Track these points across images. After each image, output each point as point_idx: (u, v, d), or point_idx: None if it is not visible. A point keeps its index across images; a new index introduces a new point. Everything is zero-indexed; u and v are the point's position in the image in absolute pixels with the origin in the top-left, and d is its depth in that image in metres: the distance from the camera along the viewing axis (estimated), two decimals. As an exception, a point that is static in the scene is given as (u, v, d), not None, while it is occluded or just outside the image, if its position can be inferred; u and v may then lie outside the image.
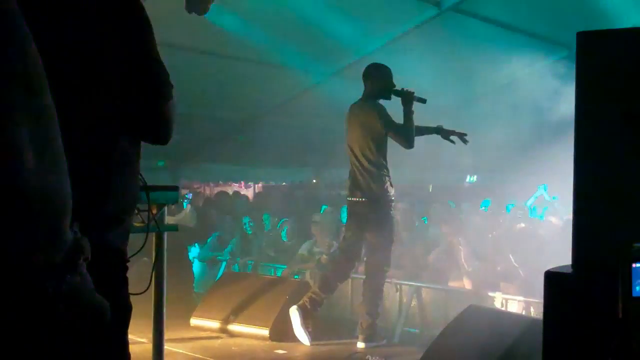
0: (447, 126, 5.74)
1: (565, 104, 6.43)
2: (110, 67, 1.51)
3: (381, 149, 5.42)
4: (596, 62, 1.92)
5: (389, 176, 5.44)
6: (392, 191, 5.44)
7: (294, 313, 5.36)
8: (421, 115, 5.59)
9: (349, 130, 5.51)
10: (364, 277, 5.61)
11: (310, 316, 5.42)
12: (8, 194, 0.84)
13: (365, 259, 5.64)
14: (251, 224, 8.15)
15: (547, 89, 7.78)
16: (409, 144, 5.38)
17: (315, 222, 7.20)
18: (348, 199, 5.54)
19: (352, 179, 5.47)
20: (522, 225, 7.00)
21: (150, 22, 1.59)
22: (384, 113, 5.36)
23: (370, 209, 5.38)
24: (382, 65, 5.51)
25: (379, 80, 5.42)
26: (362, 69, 5.57)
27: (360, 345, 5.39)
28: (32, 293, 0.92)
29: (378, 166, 5.39)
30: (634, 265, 1.04)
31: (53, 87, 1.07)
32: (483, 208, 9.11)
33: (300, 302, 5.41)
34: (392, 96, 5.46)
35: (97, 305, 1.05)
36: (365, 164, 5.39)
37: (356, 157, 5.43)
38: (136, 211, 2.34)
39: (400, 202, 7.96)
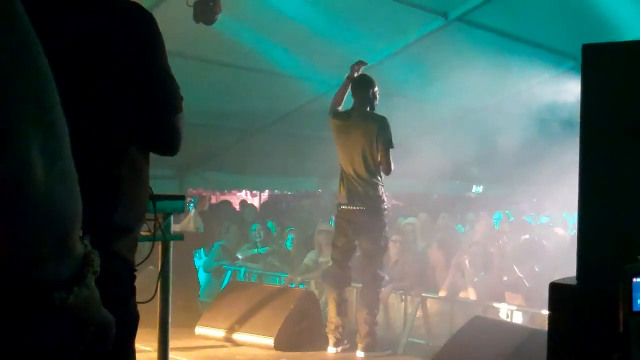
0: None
1: (571, 116, 6.44)
2: (121, 79, 1.53)
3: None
4: (602, 74, 1.92)
5: (383, 185, 5.49)
6: (386, 199, 5.53)
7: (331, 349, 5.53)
8: (424, 123, 5.62)
9: (348, 139, 5.51)
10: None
11: (342, 343, 5.54)
12: (16, 206, 0.84)
13: (361, 267, 5.65)
14: (260, 232, 8.15)
15: (553, 100, 7.78)
16: (390, 167, 5.43)
17: (320, 231, 7.20)
18: (344, 207, 5.52)
19: (347, 187, 5.48)
20: (527, 236, 6.99)
21: (161, 33, 1.61)
22: (388, 129, 5.43)
23: (368, 217, 5.41)
24: (369, 76, 5.68)
25: (369, 90, 5.51)
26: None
27: (360, 354, 5.39)
28: (38, 304, 0.92)
29: (375, 174, 5.44)
30: (634, 279, 1.05)
31: (63, 98, 1.08)
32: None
33: (334, 340, 5.50)
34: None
35: (103, 320, 1.04)
36: (364, 172, 5.41)
37: (354, 165, 5.45)
38: (143, 220, 2.35)
39: (421, 212, 7.97)
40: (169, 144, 1.70)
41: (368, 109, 5.53)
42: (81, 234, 0.99)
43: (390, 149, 5.42)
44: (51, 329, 0.95)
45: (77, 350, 1.00)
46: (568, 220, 8.74)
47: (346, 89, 5.68)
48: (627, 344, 1.02)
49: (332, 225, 7.74)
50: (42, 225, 0.87)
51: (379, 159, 5.44)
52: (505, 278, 5.87)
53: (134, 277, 1.60)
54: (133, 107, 1.56)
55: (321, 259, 6.91)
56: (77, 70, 1.47)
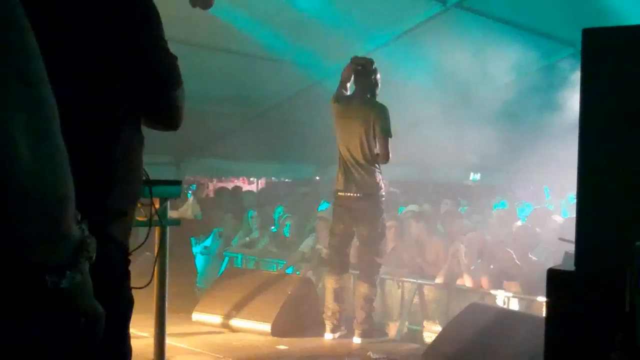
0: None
1: (570, 102, 6.43)
2: (117, 58, 1.51)
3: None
4: (602, 59, 1.91)
5: (381, 172, 5.48)
6: (383, 186, 5.52)
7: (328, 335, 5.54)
8: (422, 109, 5.61)
9: (346, 124, 5.50)
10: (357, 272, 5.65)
11: (339, 329, 5.55)
12: (1, 185, 0.81)
13: (358, 253, 5.65)
14: (256, 219, 8.13)
15: (553, 87, 7.77)
16: (388, 155, 5.41)
17: (321, 217, 7.19)
18: (341, 194, 5.52)
19: (344, 173, 5.48)
20: (520, 223, 6.98)
21: (157, 10, 1.59)
22: (387, 116, 5.40)
23: (365, 203, 5.41)
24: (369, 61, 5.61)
25: (370, 76, 5.47)
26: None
27: (357, 340, 5.41)
28: (30, 286, 0.90)
29: (372, 162, 5.43)
30: (642, 259, 1.04)
31: (56, 79, 1.06)
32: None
33: (331, 326, 5.50)
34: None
35: (93, 311, 1.00)
36: (361, 159, 5.41)
37: (351, 151, 5.44)
38: (139, 205, 2.34)
39: (424, 203, 7.97)
40: (170, 118, 1.71)
41: (369, 96, 5.50)
42: (79, 218, 0.96)
43: (389, 138, 5.40)
44: (42, 317, 0.92)
45: (68, 340, 0.97)
46: (563, 207, 8.75)
47: (348, 75, 5.61)
48: (632, 324, 1.02)
49: (328, 210, 7.75)
50: (29, 206, 0.85)
51: (377, 147, 5.43)
52: (501, 265, 5.87)
53: (128, 262, 1.59)
54: (129, 87, 1.54)
55: (318, 246, 6.91)
56: (71, 50, 1.45)
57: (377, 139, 5.40)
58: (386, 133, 5.38)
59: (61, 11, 1.46)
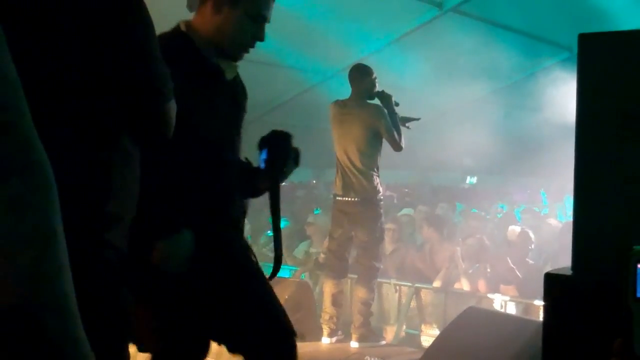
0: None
1: (567, 106, 6.44)
2: (110, 66, 1.50)
3: (377, 149, 5.45)
4: (598, 63, 1.91)
5: (378, 176, 5.47)
6: (381, 190, 5.51)
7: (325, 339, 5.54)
8: (418, 114, 5.61)
9: (343, 128, 5.49)
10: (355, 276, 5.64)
11: (336, 334, 5.55)
12: None
13: (356, 257, 5.65)
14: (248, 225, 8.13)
15: (548, 91, 7.79)
16: (400, 146, 5.40)
17: (309, 223, 7.19)
18: (339, 198, 5.51)
19: (342, 178, 5.46)
20: (517, 227, 6.98)
21: (151, 19, 1.57)
22: (385, 115, 5.38)
23: (363, 208, 5.39)
24: (367, 66, 5.60)
25: (366, 80, 5.46)
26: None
27: (354, 344, 5.40)
28: None
29: (370, 166, 5.41)
30: (639, 265, 1.04)
31: (51, 87, 1.05)
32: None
33: (328, 331, 5.50)
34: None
35: None
36: (358, 163, 5.39)
37: (348, 156, 5.43)
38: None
39: (419, 205, 7.98)
40: (159, 133, 1.68)
41: (365, 99, 5.47)
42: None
43: (394, 133, 5.37)
44: None
45: None
46: (559, 210, 8.77)
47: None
48: (630, 331, 1.02)
49: (317, 216, 7.75)
50: None
51: (390, 144, 5.39)
52: (498, 269, 5.88)
53: (126, 266, 1.58)
54: (123, 94, 1.53)
55: (312, 250, 6.91)
56: (65, 59, 1.44)
57: (386, 139, 5.39)
58: (390, 130, 5.35)
59: (47, 15, 1.43)
